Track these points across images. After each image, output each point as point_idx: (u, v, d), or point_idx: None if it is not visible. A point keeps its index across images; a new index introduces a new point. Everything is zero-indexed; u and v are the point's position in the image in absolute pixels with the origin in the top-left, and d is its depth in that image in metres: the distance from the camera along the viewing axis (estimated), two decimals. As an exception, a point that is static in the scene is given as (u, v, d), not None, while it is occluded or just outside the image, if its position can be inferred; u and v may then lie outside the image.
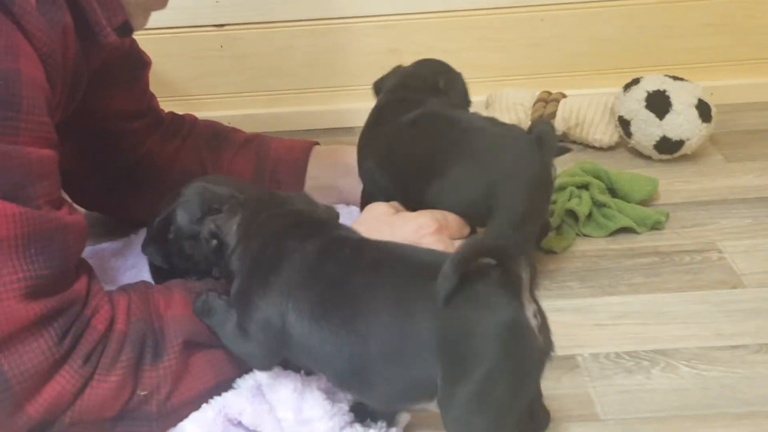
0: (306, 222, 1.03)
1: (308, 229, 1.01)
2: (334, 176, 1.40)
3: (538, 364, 0.89)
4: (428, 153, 1.21)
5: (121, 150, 1.36)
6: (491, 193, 1.17)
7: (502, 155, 1.18)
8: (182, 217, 1.17)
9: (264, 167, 1.39)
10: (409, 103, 1.27)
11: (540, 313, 0.89)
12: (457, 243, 1.19)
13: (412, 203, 1.22)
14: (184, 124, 1.43)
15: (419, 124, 1.24)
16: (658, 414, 1.06)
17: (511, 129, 1.23)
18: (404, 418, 1.03)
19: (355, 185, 1.37)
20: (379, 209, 1.21)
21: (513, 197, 1.16)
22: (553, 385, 1.09)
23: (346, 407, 1.02)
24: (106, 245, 1.37)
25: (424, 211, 1.20)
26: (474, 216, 1.20)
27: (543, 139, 1.16)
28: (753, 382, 1.10)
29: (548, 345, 0.90)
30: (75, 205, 1.05)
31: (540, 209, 1.21)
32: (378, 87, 1.37)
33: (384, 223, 1.18)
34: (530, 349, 0.87)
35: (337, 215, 1.08)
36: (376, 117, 1.31)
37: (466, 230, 1.22)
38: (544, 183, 1.18)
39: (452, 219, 1.20)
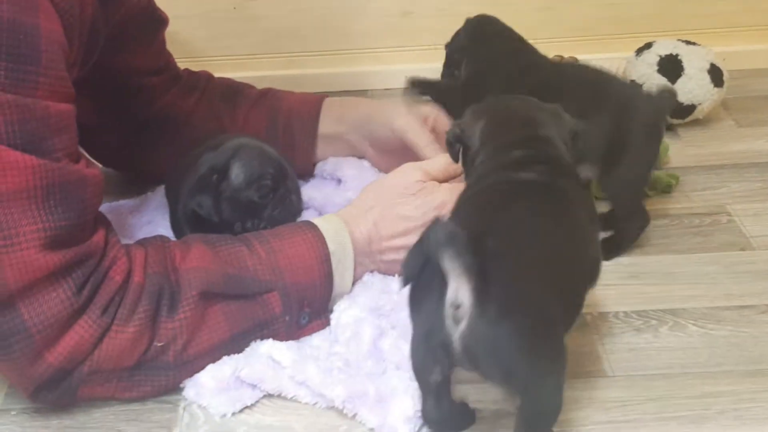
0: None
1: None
2: (345, 127, 1.40)
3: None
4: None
5: (138, 105, 1.38)
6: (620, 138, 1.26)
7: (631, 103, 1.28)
8: (237, 176, 1.22)
9: (277, 120, 1.40)
10: None
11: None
12: None
13: None
14: (200, 80, 1.44)
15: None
16: (666, 371, 1.08)
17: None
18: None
19: (365, 136, 1.39)
20: (411, 175, 1.19)
21: (638, 142, 1.27)
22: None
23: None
24: (123, 202, 1.39)
25: (452, 187, 1.19)
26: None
27: (663, 94, 1.30)
28: (759, 341, 1.11)
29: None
30: (92, 160, 1.07)
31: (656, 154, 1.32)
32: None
33: (406, 191, 1.17)
34: None
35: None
36: None
37: None
38: (660, 131, 1.30)
39: None
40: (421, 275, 0.88)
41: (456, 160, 1.12)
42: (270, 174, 1.24)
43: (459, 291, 0.85)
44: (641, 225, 1.30)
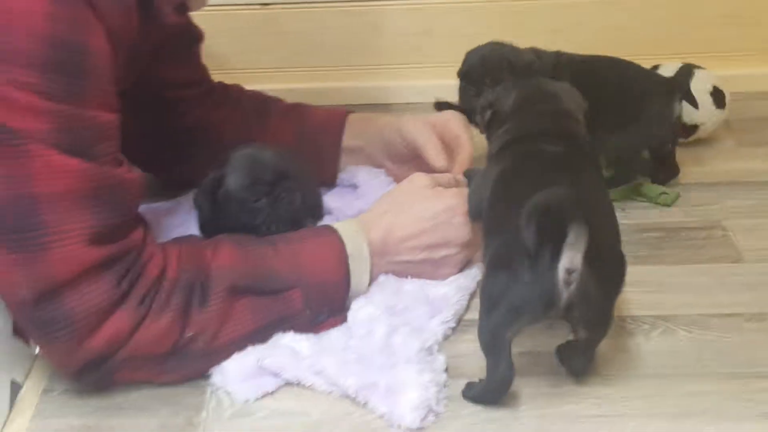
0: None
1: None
2: (364, 141, 1.48)
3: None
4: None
5: (175, 115, 1.45)
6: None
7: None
8: (233, 182, 1.30)
9: (305, 133, 1.47)
10: None
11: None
12: None
13: None
14: (232, 93, 1.51)
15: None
16: (655, 372, 1.15)
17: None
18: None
19: (381, 149, 1.46)
20: (420, 181, 1.28)
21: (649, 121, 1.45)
22: (558, 342, 1.17)
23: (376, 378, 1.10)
24: (157, 205, 1.45)
25: (458, 191, 1.28)
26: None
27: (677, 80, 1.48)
28: (743, 347, 1.18)
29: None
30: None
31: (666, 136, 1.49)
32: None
33: (417, 196, 1.26)
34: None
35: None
36: None
37: None
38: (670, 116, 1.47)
39: None
40: (514, 239, 1.01)
41: (483, 128, 1.27)
42: (262, 179, 1.29)
43: (574, 259, 0.97)
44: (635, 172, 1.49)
